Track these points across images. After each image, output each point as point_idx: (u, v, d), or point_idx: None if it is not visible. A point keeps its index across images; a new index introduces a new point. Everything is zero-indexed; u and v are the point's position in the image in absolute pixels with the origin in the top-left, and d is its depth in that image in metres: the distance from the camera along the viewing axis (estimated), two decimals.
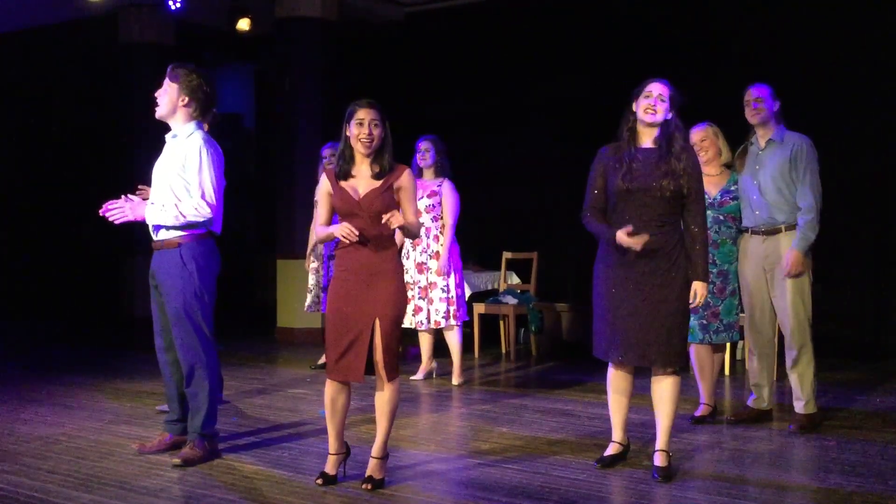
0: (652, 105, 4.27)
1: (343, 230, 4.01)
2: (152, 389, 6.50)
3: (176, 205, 4.48)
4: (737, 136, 5.54)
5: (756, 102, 5.34)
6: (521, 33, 9.65)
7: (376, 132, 4.07)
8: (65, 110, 12.39)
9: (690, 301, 4.27)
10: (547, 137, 9.40)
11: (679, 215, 4.31)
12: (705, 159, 5.39)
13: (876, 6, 7.92)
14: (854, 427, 5.39)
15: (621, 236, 4.17)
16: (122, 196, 4.58)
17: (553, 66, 9.43)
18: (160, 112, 4.64)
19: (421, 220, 6.36)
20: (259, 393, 6.56)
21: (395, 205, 4.12)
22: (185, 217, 4.49)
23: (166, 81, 4.62)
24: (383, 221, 3.96)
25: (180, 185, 4.54)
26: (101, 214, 4.54)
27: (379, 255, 4.09)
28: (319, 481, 4.13)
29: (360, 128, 4.06)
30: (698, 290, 4.26)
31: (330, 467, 4.18)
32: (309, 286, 7.57)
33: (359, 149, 4.08)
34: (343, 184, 4.14)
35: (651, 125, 4.31)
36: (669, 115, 4.30)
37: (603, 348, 4.41)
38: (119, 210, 4.52)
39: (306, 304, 7.62)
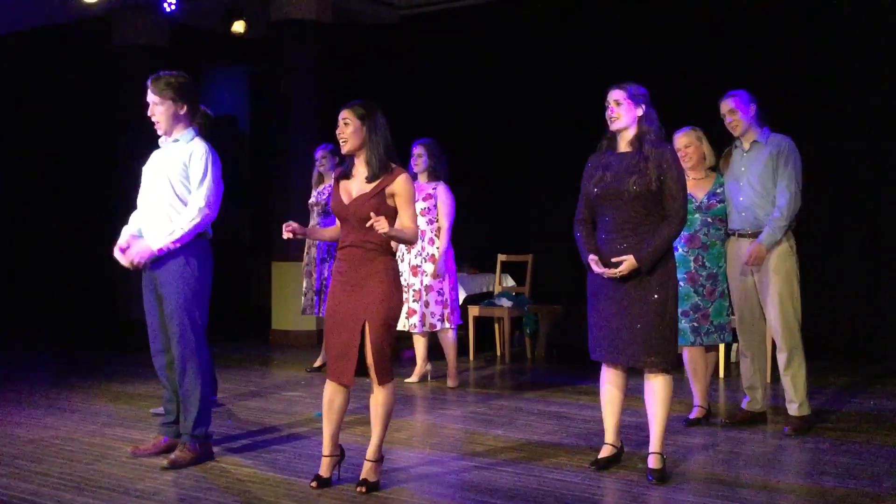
0: (610, 114, 4.34)
1: (285, 230, 4.06)
2: (147, 392, 6.50)
3: (178, 226, 4.49)
4: (723, 138, 5.54)
5: (730, 116, 5.36)
6: (515, 35, 9.66)
7: (347, 131, 4.07)
8: (59, 112, 12.38)
9: (613, 270, 4.21)
10: (541, 139, 9.42)
11: (657, 217, 4.29)
12: (690, 165, 5.40)
13: (864, 5, 7.96)
14: (848, 429, 5.40)
15: (592, 266, 4.32)
16: (117, 248, 4.60)
17: (547, 68, 9.45)
18: (163, 129, 4.61)
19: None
20: (253, 395, 6.56)
21: (387, 210, 4.06)
22: (189, 232, 4.51)
23: (155, 98, 4.56)
24: (367, 225, 3.94)
25: (183, 188, 4.57)
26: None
27: (369, 259, 4.08)
28: (314, 484, 4.13)
29: (338, 128, 4.10)
30: (627, 261, 4.19)
31: (324, 470, 4.18)
32: (303, 289, 7.58)
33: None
34: (341, 185, 4.17)
35: (620, 130, 4.35)
36: (639, 113, 4.32)
37: (592, 348, 4.47)
38: (128, 261, 4.54)
39: (301, 306, 7.63)
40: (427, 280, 6.76)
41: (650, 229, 4.27)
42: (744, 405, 5.56)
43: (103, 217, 11.15)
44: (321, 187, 7.46)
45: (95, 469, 4.46)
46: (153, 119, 4.61)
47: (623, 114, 4.31)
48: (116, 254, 4.61)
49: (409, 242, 4.22)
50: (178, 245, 4.50)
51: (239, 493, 4.08)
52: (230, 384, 6.87)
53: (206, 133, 5.37)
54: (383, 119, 4.13)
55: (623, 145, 4.39)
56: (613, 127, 4.35)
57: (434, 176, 6.84)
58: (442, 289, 6.78)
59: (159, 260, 4.56)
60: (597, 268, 4.31)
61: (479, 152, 9.75)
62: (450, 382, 6.91)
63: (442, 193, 6.78)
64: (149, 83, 4.59)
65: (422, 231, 6.72)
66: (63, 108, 12.33)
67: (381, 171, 4.08)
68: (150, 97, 4.58)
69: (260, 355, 8.79)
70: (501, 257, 8.91)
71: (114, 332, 10.44)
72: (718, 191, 5.46)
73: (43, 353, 8.90)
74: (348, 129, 4.08)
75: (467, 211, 7.57)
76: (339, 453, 4.24)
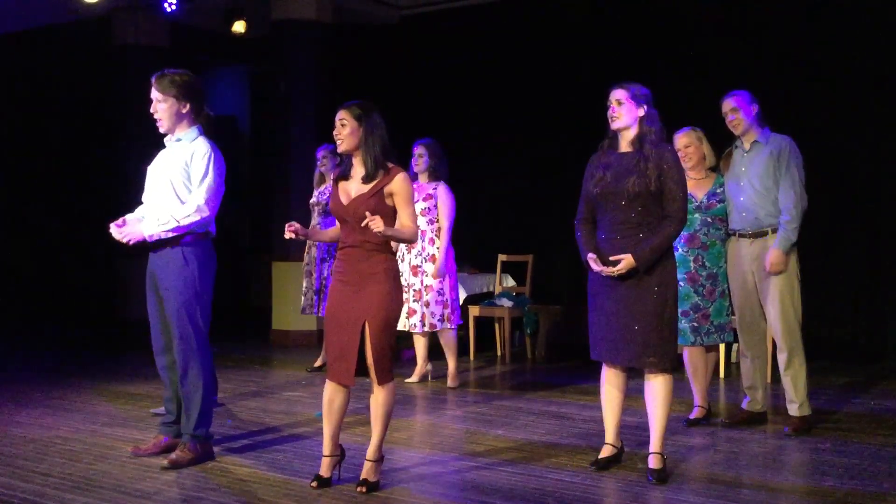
0: (611, 114, 4.34)
1: (287, 230, 4.06)
2: (147, 392, 6.50)
3: (172, 216, 4.48)
4: (724, 138, 5.54)
5: (732, 114, 5.36)
6: (515, 35, 9.66)
7: (344, 131, 4.07)
8: (59, 112, 12.37)
9: (611, 269, 4.23)
10: (542, 139, 9.41)
11: (657, 217, 4.29)
12: (690, 165, 5.40)
13: (864, 5, 7.96)
14: (848, 430, 5.40)
15: (591, 264, 4.33)
16: (114, 224, 4.57)
17: (547, 68, 9.44)
18: (165, 127, 4.62)
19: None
20: (254, 395, 6.56)
21: (386, 210, 4.06)
22: (182, 226, 4.49)
23: (158, 95, 4.57)
24: (362, 225, 3.95)
25: (184, 189, 4.56)
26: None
27: (368, 260, 4.08)
28: (314, 484, 4.13)
29: (335, 128, 4.10)
30: (625, 259, 4.20)
31: (324, 469, 4.18)
32: (303, 288, 7.58)
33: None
34: (340, 185, 4.17)
35: (621, 130, 4.35)
36: (640, 113, 4.32)
37: (592, 348, 4.48)
38: (120, 236, 4.54)
39: (301, 306, 7.64)
40: (427, 280, 6.76)
41: (650, 229, 4.26)
42: (744, 405, 5.56)
43: (103, 217, 11.13)
44: (322, 187, 7.47)
45: (95, 469, 4.46)
46: (155, 116, 4.60)
47: (624, 113, 4.31)
48: (112, 228, 4.57)
49: (408, 242, 4.22)
50: (168, 235, 4.49)
51: (239, 493, 4.08)
52: (230, 384, 6.87)
53: (209, 133, 5.37)
54: (380, 119, 4.13)
55: (624, 145, 4.39)
56: (614, 126, 4.36)
57: (435, 176, 6.85)
58: (442, 289, 6.78)
59: (161, 257, 4.56)
60: (595, 266, 4.31)
61: (480, 152, 9.75)
62: (450, 382, 6.91)
63: (442, 193, 6.78)
64: (153, 80, 4.59)
65: (422, 231, 6.72)
66: (63, 108, 12.32)
67: (376, 170, 4.08)
68: (154, 94, 4.58)
69: (260, 355, 8.79)
70: (501, 257, 8.91)
71: (114, 332, 10.44)
72: (718, 191, 5.46)
73: (43, 353, 8.89)
74: (345, 129, 4.08)
75: (467, 211, 7.57)
76: (340, 453, 4.24)
